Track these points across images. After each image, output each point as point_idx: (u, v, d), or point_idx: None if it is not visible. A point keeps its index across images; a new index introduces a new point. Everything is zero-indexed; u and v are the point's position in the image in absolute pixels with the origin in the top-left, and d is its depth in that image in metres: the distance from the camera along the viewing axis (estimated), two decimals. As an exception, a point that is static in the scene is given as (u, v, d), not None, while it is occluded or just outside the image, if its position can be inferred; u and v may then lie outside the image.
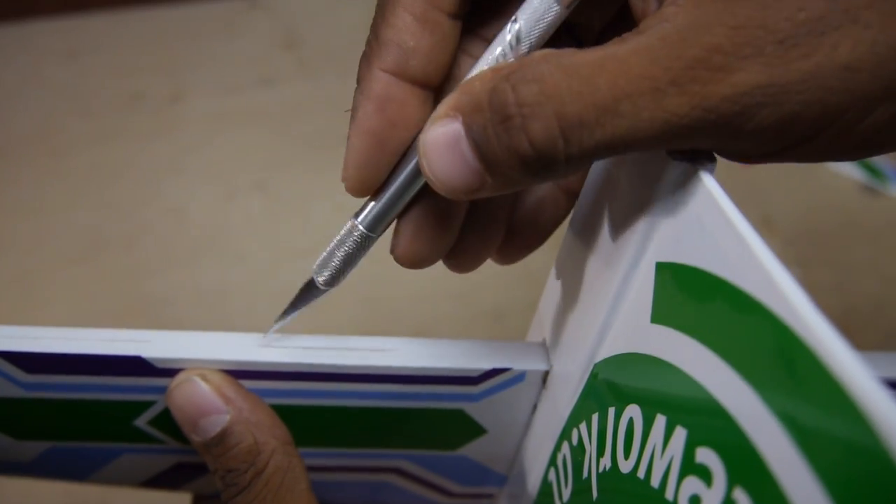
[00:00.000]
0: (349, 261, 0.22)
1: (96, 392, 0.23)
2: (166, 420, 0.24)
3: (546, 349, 0.26)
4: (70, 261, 0.52)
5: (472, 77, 0.18)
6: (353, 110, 0.21)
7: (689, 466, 0.17)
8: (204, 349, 0.23)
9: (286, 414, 0.24)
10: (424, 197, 0.21)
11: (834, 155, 0.17)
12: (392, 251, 0.22)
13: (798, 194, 0.56)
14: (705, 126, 0.16)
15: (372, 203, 0.21)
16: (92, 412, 0.24)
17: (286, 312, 0.23)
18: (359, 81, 0.20)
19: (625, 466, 0.20)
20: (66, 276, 0.51)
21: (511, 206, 0.24)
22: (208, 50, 0.66)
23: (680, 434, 0.17)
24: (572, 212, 0.24)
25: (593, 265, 0.23)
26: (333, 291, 0.23)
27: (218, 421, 0.23)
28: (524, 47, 0.19)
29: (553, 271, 0.26)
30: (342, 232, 0.22)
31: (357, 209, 0.22)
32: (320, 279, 0.22)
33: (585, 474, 0.22)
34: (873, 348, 0.49)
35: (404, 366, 0.24)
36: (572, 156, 0.16)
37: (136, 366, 0.23)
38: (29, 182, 0.57)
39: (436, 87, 0.21)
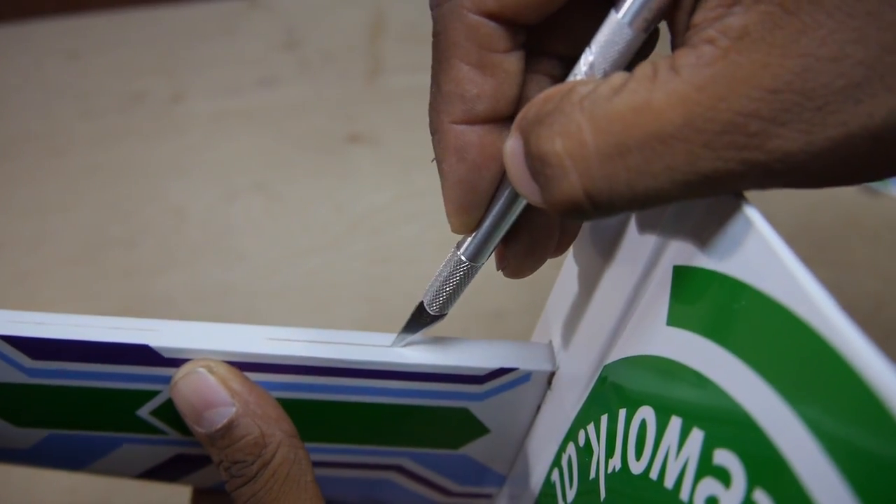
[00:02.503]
0: (457, 291, 0.23)
1: (100, 380, 0.23)
2: (169, 410, 0.24)
3: (552, 350, 0.26)
4: (70, 261, 0.52)
5: (534, 99, 0.18)
6: (438, 162, 0.21)
7: (707, 468, 0.16)
8: (211, 340, 0.23)
9: (291, 408, 0.24)
10: (524, 219, 0.22)
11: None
12: (502, 269, 0.23)
13: (798, 194, 0.56)
14: (737, 183, 0.16)
15: (473, 236, 0.22)
16: (95, 400, 0.24)
17: (402, 333, 0.24)
18: (433, 132, 0.21)
19: (636, 468, 0.20)
20: (66, 276, 0.51)
21: None
22: (209, 50, 0.66)
23: (697, 436, 0.17)
24: None
25: (606, 268, 0.23)
26: (443, 320, 0.24)
27: (224, 413, 0.23)
28: (599, 75, 0.19)
29: (563, 272, 0.26)
30: (448, 265, 0.23)
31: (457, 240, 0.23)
32: (432, 309, 0.24)
33: (593, 475, 0.22)
34: (873, 348, 0.49)
35: (411, 363, 0.24)
36: (601, 210, 0.17)
37: (142, 354, 0.23)
38: (29, 182, 0.57)
39: (512, 116, 0.21)
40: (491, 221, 0.21)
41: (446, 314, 0.24)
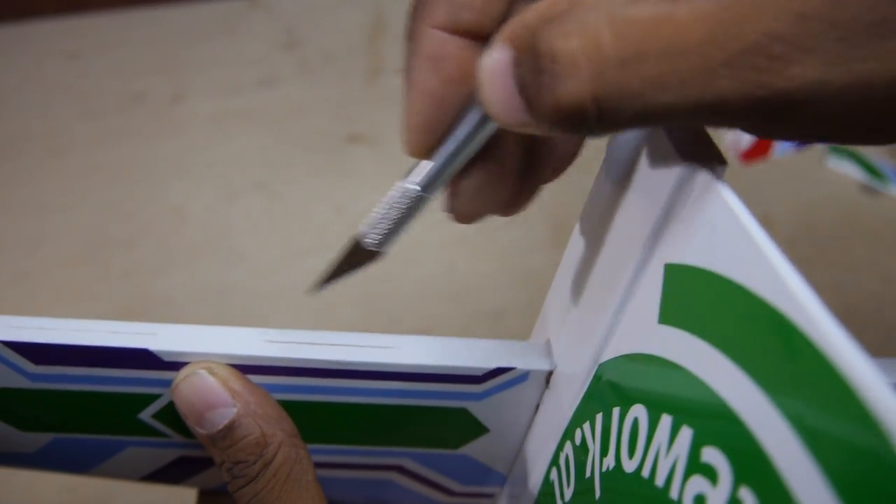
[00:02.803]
0: (401, 222, 0.21)
1: (102, 384, 0.23)
2: (171, 414, 0.24)
3: (550, 349, 0.26)
4: (70, 261, 0.52)
5: (530, 7, 0.17)
6: (407, 70, 0.19)
7: (695, 466, 0.17)
8: (210, 343, 0.23)
9: (291, 409, 0.24)
10: (481, 153, 0.20)
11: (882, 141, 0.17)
12: (450, 210, 0.21)
13: (798, 194, 0.56)
14: (750, 113, 0.15)
15: (428, 163, 0.20)
16: (97, 404, 0.24)
17: (331, 277, 0.22)
18: (409, 39, 0.19)
19: (629, 466, 0.20)
20: (66, 276, 0.51)
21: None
22: (209, 50, 0.66)
23: (686, 434, 0.17)
24: (581, 212, 0.24)
25: (600, 266, 0.23)
26: (382, 257, 0.22)
27: (225, 414, 0.23)
28: None
29: (558, 272, 0.26)
30: (394, 194, 0.21)
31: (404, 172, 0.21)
32: (368, 240, 0.21)
33: (588, 474, 0.22)
34: (873, 348, 0.49)
35: (409, 363, 0.24)
36: (605, 122, 0.16)
37: (142, 358, 0.23)
38: (29, 182, 0.57)
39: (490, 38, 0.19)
40: (451, 146, 0.20)
41: (384, 251, 0.21)
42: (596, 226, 0.23)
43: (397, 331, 0.50)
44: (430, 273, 0.52)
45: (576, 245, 0.25)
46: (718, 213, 0.17)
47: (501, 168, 0.21)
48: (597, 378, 0.23)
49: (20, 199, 0.56)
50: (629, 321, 0.21)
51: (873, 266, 0.53)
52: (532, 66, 0.16)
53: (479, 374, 0.25)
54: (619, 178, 0.21)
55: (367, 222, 0.21)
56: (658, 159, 0.19)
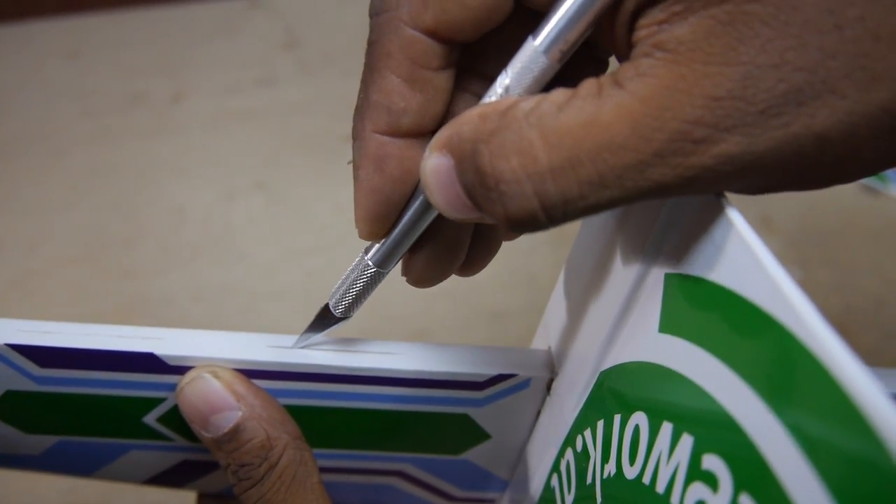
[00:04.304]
0: (362, 294, 0.23)
1: (107, 388, 0.24)
2: (175, 417, 0.24)
3: (551, 356, 0.26)
4: (70, 261, 0.52)
5: (462, 116, 0.18)
6: (355, 168, 0.21)
7: (696, 473, 0.17)
8: (214, 348, 0.23)
9: (294, 414, 0.24)
10: (432, 230, 0.22)
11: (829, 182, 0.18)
12: (405, 276, 0.23)
13: (798, 194, 0.56)
14: (688, 189, 0.16)
15: (382, 243, 0.22)
16: (102, 408, 0.24)
17: (306, 333, 0.24)
18: (354, 138, 0.21)
19: (630, 472, 0.20)
20: (66, 276, 0.51)
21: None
22: (208, 50, 0.66)
23: (686, 441, 0.17)
24: (581, 222, 0.25)
25: (602, 275, 0.23)
26: (348, 322, 0.24)
27: (230, 417, 0.23)
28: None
29: (561, 279, 0.26)
30: (354, 268, 0.23)
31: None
32: (337, 311, 0.24)
33: (589, 480, 0.22)
34: (873, 348, 0.49)
35: (412, 369, 0.24)
36: (556, 221, 0.17)
37: (147, 362, 0.23)
38: (29, 182, 0.57)
39: (433, 132, 0.20)
40: (400, 230, 0.21)
41: (350, 317, 0.24)
42: (597, 235, 0.23)
43: (396, 331, 0.50)
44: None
45: (577, 254, 0.25)
46: (718, 225, 0.17)
47: (451, 241, 0.22)
48: (598, 385, 0.23)
49: (20, 199, 0.56)
50: (630, 330, 0.21)
51: (873, 266, 0.53)
52: (477, 181, 0.17)
53: (481, 380, 0.25)
54: None
55: (333, 293, 0.24)
56: None
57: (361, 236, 0.22)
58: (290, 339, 0.24)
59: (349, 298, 0.23)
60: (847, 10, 0.15)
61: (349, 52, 0.67)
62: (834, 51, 0.15)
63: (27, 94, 0.62)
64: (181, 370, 0.23)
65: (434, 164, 0.18)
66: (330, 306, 0.24)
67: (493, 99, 0.19)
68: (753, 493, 0.15)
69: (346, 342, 0.24)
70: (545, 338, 0.27)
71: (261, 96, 0.63)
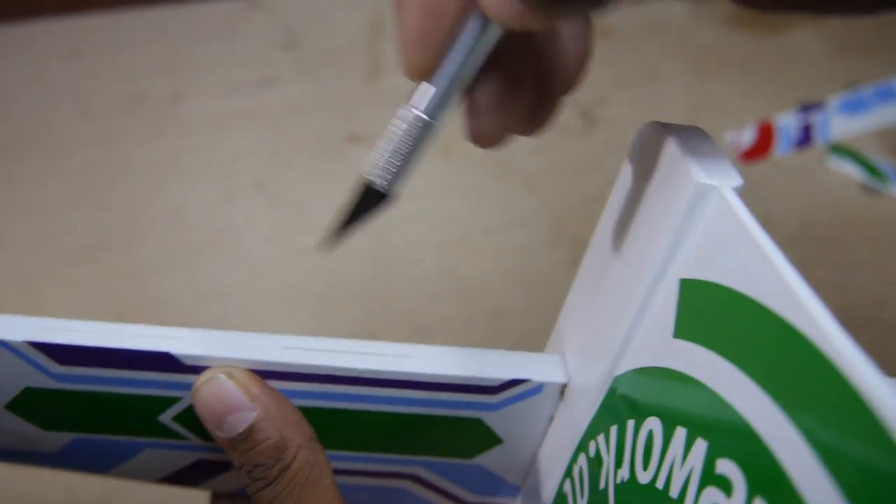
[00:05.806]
0: (410, 157, 0.19)
1: (123, 386, 0.24)
2: (190, 416, 0.24)
3: (564, 362, 0.26)
4: (70, 261, 0.52)
5: None
6: None
7: (709, 477, 0.17)
8: (230, 348, 0.23)
9: (308, 415, 0.24)
10: (489, 68, 0.19)
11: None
12: (471, 132, 0.20)
13: (798, 194, 0.56)
14: None
15: (429, 86, 0.18)
16: (118, 406, 0.24)
17: (342, 229, 0.21)
18: None
19: (643, 477, 0.20)
20: (66, 276, 0.51)
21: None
22: (208, 50, 0.66)
23: (700, 446, 0.17)
24: (596, 228, 0.25)
25: (616, 281, 0.23)
26: (394, 200, 0.20)
27: (245, 418, 0.23)
28: None
29: (574, 285, 0.26)
30: (398, 126, 0.19)
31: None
32: (383, 182, 0.19)
33: (602, 485, 0.23)
34: (873, 348, 0.49)
35: (425, 372, 0.24)
36: None
37: (163, 361, 0.23)
38: (29, 182, 0.57)
39: None
40: (454, 60, 0.18)
41: (396, 194, 0.20)
42: (611, 241, 0.23)
43: (397, 331, 0.50)
44: (430, 273, 0.52)
45: (591, 259, 0.25)
46: (733, 230, 0.17)
47: (514, 78, 0.20)
48: (612, 391, 0.23)
49: (20, 199, 0.56)
50: (644, 335, 0.21)
51: (873, 266, 0.53)
52: None
53: (495, 384, 0.25)
54: (635, 194, 0.22)
55: (373, 161, 0.19)
56: (673, 176, 0.19)
57: (409, 70, 0.19)
58: (304, 341, 0.24)
59: (396, 164, 0.19)
60: None
61: (349, 52, 0.67)
62: None
63: (27, 94, 0.62)
64: (197, 370, 0.23)
65: None
66: (373, 179, 0.19)
67: None
68: (768, 498, 0.15)
69: (362, 344, 0.25)
70: (558, 343, 0.27)
71: (261, 96, 0.63)
